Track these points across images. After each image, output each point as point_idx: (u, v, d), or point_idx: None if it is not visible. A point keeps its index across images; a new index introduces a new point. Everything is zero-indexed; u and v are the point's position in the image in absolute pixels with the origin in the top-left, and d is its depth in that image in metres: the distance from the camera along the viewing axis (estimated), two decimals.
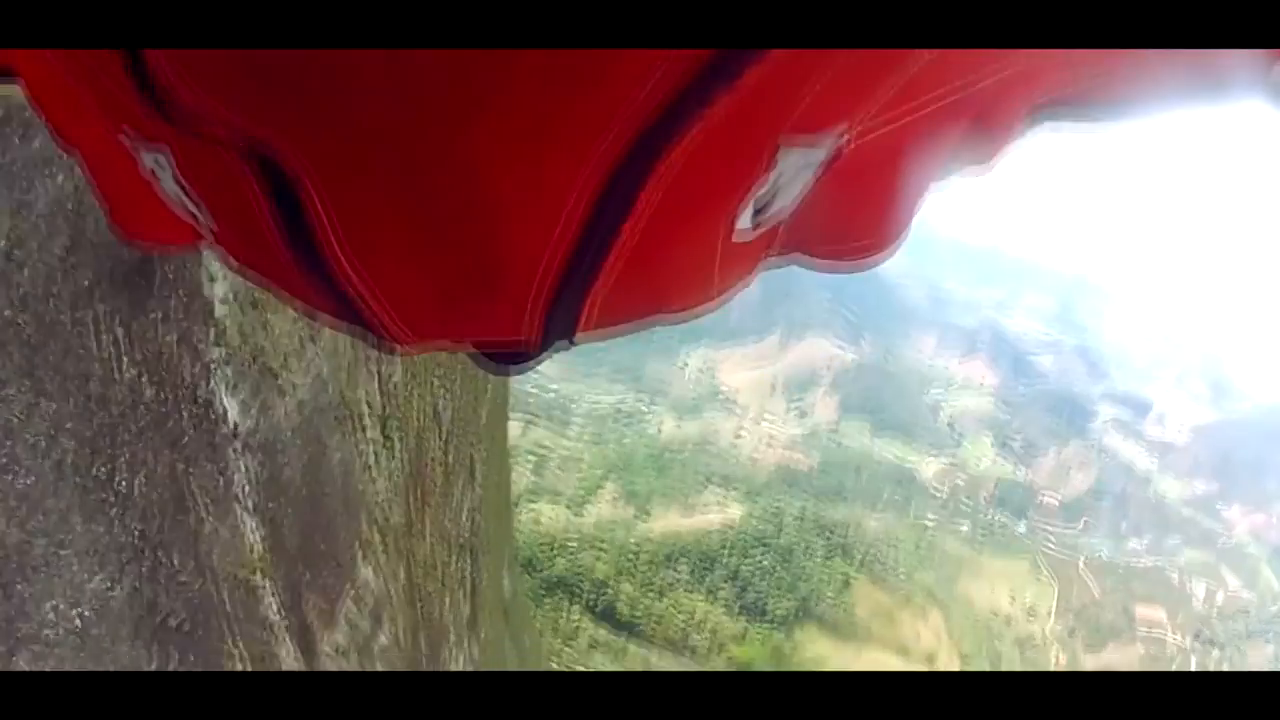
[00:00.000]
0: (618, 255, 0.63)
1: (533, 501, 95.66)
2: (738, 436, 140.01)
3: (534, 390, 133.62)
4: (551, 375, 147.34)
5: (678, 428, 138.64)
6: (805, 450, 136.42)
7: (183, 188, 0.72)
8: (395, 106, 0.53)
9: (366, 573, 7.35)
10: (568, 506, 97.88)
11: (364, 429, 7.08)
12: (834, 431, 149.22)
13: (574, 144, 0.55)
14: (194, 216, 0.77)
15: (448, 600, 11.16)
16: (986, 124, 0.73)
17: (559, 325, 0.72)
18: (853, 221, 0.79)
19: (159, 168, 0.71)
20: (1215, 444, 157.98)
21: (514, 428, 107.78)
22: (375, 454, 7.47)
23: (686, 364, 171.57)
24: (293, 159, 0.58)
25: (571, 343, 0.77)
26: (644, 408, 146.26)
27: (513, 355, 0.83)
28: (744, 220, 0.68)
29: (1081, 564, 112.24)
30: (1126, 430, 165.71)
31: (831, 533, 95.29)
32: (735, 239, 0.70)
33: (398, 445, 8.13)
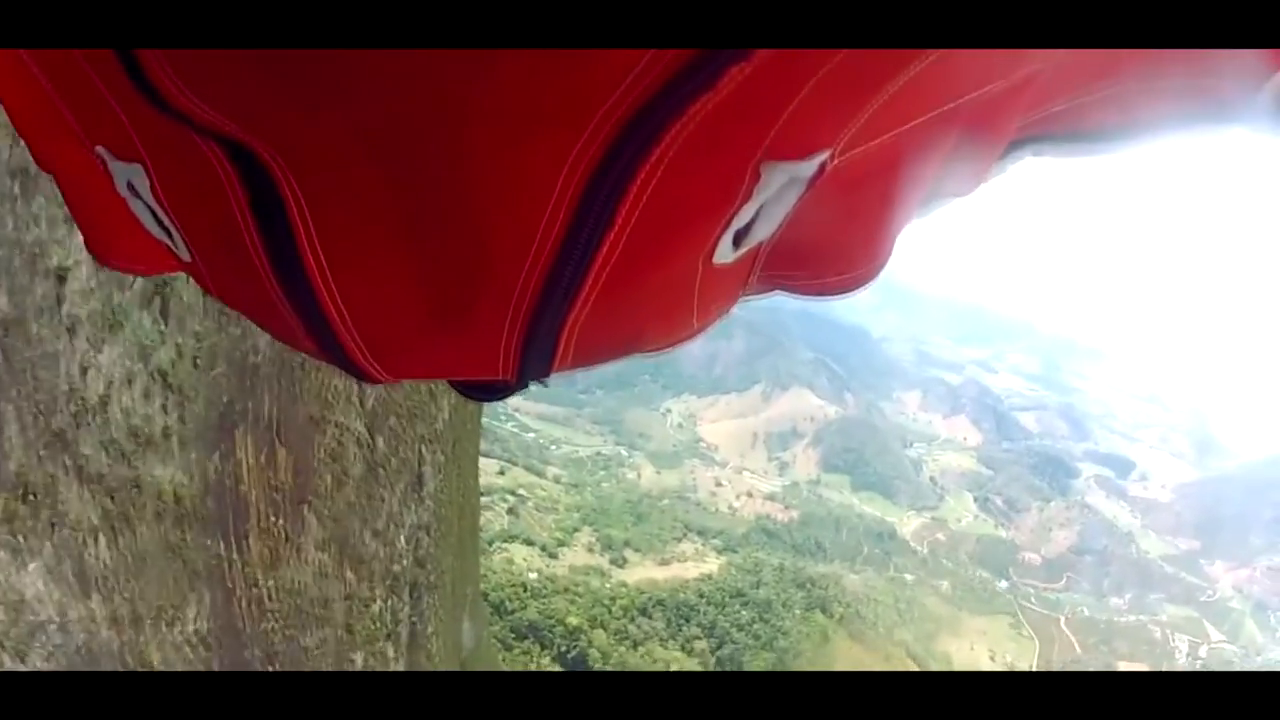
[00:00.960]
0: (598, 271, 0.62)
1: (506, 543, 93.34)
2: (717, 487, 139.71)
3: (513, 432, 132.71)
4: (531, 418, 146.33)
5: (657, 476, 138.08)
6: (785, 504, 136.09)
7: (155, 212, 0.72)
8: (373, 112, 0.52)
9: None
10: (542, 550, 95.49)
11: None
12: (814, 485, 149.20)
13: (554, 140, 0.54)
14: (169, 241, 0.75)
15: (362, 653, 9.27)
16: (968, 151, 0.72)
17: (536, 356, 0.70)
18: (835, 248, 0.77)
19: (133, 192, 0.70)
20: (1198, 501, 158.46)
21: (490, 467, 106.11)
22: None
23: (668, 413, 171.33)
24: (274, 163, 0.57)
25: (546, 380, 0.75)
26: (624, 454, 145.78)
27: (490, 388, 0.81)
28: (725, 244, 0.67)
29: (1063, 621, 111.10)
30: (1109, 489, 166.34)
31: (811, 587, 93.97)
32: (716, 262, 0.69)
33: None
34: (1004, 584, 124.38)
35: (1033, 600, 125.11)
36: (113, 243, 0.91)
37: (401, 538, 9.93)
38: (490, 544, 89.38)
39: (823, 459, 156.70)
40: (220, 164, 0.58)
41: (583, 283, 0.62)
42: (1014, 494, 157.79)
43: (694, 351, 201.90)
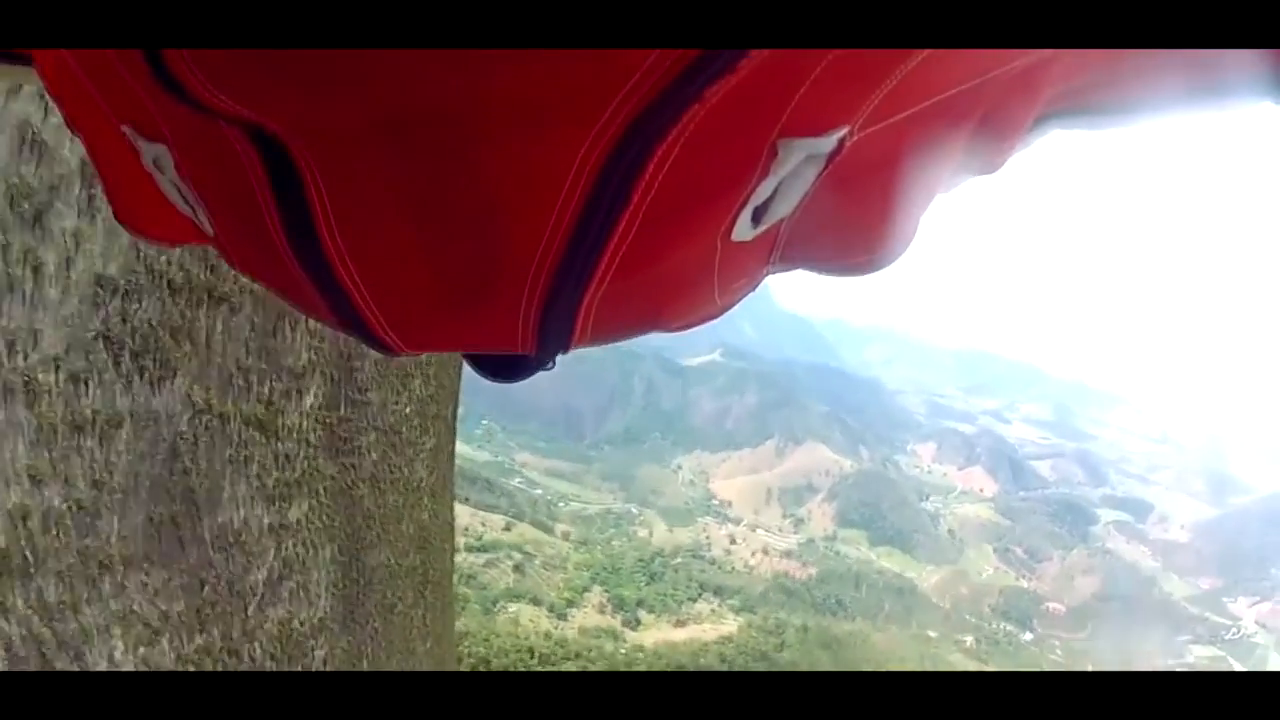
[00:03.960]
0: (614, 250, 0.62)
1: (512, 603, 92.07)
2: (732, 544, 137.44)
3: (519, 487, 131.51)
4: (538, 473, 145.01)
5: (669, 534, 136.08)
6: (802, 561, 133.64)
7: (179, 189, 0.73)
8: (389, 102, 0.53)
9: None
10: (550, 610, 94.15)
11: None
12: (831, 541, 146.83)
13: (569, 130, 0.54)
14: (194, 216, 0.77)
15: None
16: (993, 126, 0.71)
17: (554, 330, 0.71)
18: (857, 228, 0.76)
19: (158, 167, 0.72)
20: (1217, 539, 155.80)
21: (496, 522, 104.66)
22: None
23: (679, 469, 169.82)
24: (293, 145, 0.58)
25: (566, 350, 0.75)
26: (634, 511, 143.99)
27: (509, 366, 0.82)
28: (744, 221, 0.66)
29: (1090, 670, 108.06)
30: (1129, 533, 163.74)
31: (837, 647, 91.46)
32: (735, 239, 0.68)
33: None
34: (1028, 636, 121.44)
35: (1058, 651, 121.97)
36: (141, 212, 0.93)
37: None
38: (494, 604, 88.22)
39: (839, 514, 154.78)
40: (241, 145, 0.59)
41: (599, 261, 0.62)
42: (1034, 543, 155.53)
43: (705, 406, 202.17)
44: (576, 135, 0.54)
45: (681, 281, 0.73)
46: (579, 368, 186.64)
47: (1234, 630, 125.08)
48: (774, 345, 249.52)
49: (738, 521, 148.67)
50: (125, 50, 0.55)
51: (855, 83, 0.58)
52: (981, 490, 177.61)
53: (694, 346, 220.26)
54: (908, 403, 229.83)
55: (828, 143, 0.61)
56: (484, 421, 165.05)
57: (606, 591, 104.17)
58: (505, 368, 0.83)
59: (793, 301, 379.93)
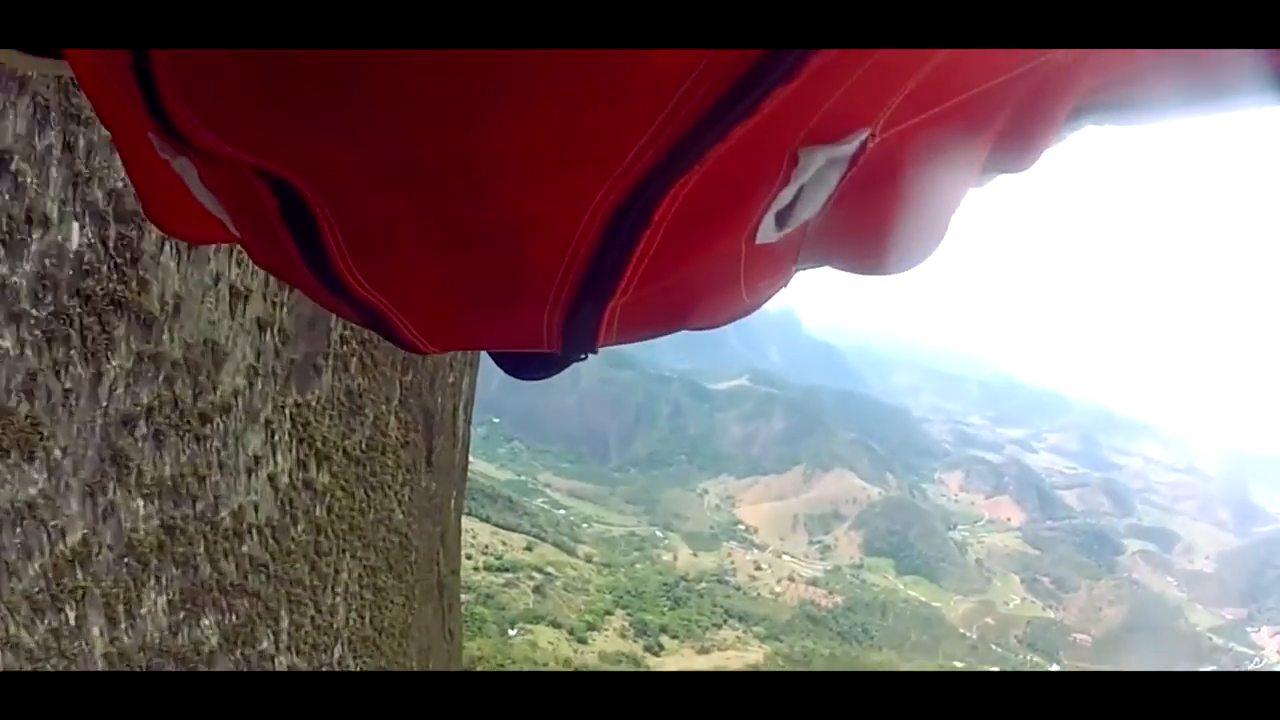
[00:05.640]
0: (636, 265, 0.62)
1: (531, 624, 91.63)
2: (757, 571, 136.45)
3: (542, 507, 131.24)
4: (562, 494, 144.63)
5: (693, 558, 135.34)
6: (828, 589, 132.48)
7: (206, 192, 0.75)
8: (397, 146, 0.53)
9: None
10: (570, 634, 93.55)
11: None
12: (858, 570, 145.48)
13: (587, 175, 0.55)
14: (222, 217, 0.78)
15: None
16: (1023, 124, 0.70)
17: (578, 333, 0.71)
18: (885, 225, 0.75)
19: (185, 172, 0.73)
20: (1242, 569, 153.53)
21: (517, 542, 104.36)
22: None
23: (705, 493, 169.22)
24: (302, 186, 0.59)
25: (594, 350, 0.75)
26: (658, 535, 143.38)
27: (534, 363, 0.84)
28: (768, 225, 0.67)
29: None
30: (1155, 563, 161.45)
31: None
32: (760, 241, 0.69)
33: None
34: (1056, 667, 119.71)
35: None
36: (171, 210, 0.92)
37: None
38: (513, 625, 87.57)
39: (865, 542, 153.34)
40: (254, 180, 0.60)
41: (621, 275, 0.63)
42: (1061, 573, 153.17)
43: (732, 431, 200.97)
44: (595, 179, 0.55)
45: (708, 284, 0.73)
46: (606, 389, 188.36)
47: (1257, 660, 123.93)
48: (801, 371, 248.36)
49: (763, 548, 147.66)
50: (131, 98, 0.57)
51: (875, 87, 0.57)
52: (1009, 519, 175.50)
53: (721, 371, 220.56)
54: (935, 431, 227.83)
55: (849, 147, 0.61)
56: (510, 441, 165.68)
57: (629, 615, 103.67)
58: (531, 365, 0.84)
59: (821, 328, 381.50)
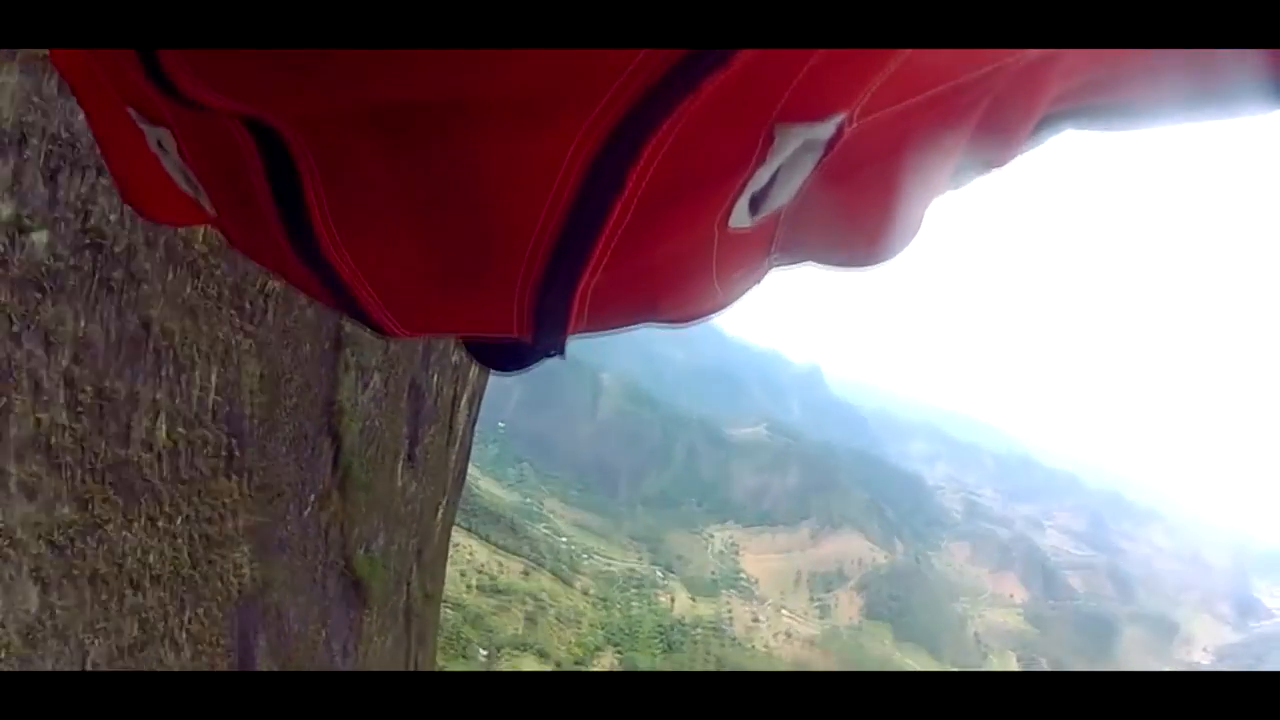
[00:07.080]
0: (609, 234, 0.62)
1: (518, 652, 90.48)
2: (754, 623, 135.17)
3: (544, 533, 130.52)
4: (566, 523, 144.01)
5: (691, 604, 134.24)
6: (823, 649, 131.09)
7: (183, 170, 0.74)
8: (383, 97, 0.53)
9: None
10: (557, 667, 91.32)
11: None
12: (856, 632, 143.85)
13: (562, 123, 0.54)
14: (197, 197, 0.78)
15: None
16: (998, 122, 0.70)
17: (550, 314, 0.70)
18: (857, 217, 0.76)
19: (162, 148, 0.73)
20: (1239, 664, 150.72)
21: (515, 566, 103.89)
22: None
23: (710, 539, 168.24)
24: (290, 135, 0.59)
25: (563, 335, 0.75)
26: (658, 576, 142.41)
27: (510, 356, 0.83)
28: (741, 209, 0.66)
29: None
30: (1153, 651, 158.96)
31: None
32: (733, 226, 0.68)
33: None
34: None
35: None
36: (147, 194, 0.92)
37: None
38: (499, 650, 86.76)
39: (867, 605, 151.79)
40: (239, 134, 0.60)
41: (594, 245, 0.63)
42: (1059, 655, 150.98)
43: (745, 481, 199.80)
44: (569, 127, 0.55)
45: (679, 270, 0.73)
46: (623, 423, 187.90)
47: None
48: (820, 427, 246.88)
49: (763, 600, 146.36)
50: (121, 52, 0.55)
51: (853, 68, 0.57)
52: (1012, 596, 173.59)
53: (741, 418, 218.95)
54: (947, 500, 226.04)
55: (825, 129, 0.61)
56: (520, 463, 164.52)
57: (619, 654, 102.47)
58: (505, 358, 0.84)
59: (844, 386, 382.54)
